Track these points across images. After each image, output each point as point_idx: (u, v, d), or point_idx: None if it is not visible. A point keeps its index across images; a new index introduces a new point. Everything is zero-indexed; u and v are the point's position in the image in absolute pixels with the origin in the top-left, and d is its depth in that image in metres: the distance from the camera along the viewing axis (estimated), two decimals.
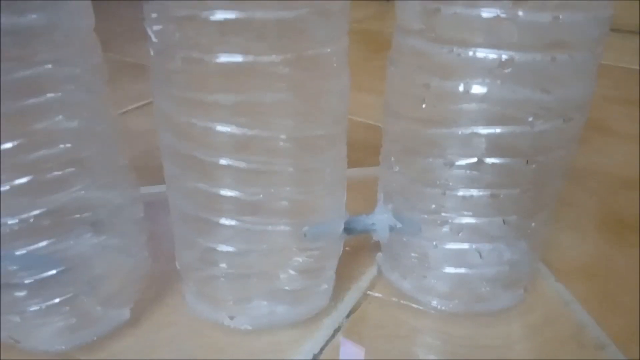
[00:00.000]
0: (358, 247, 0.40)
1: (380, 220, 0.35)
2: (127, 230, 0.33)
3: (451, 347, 0.33)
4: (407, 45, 0.29)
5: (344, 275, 0.37)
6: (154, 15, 0.24)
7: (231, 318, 0.32)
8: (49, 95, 0.27)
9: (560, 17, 0.24)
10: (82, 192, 0.30)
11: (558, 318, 0.34)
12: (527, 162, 0.28)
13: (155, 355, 0.31)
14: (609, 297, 0.37)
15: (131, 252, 0.34)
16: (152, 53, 0.25)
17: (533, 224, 0.32)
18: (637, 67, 0.85)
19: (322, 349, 0.32)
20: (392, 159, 0.33)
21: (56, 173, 0.29)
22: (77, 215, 0.31)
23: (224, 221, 0.29)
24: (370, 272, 0.38)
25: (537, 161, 0.28)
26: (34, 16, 0.24)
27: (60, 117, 0.28)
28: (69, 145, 0.29)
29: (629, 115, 0.68)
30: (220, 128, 0.25)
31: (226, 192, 0.28)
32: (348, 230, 0.34)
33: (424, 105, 0.29)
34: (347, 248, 0.39)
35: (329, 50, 0.26)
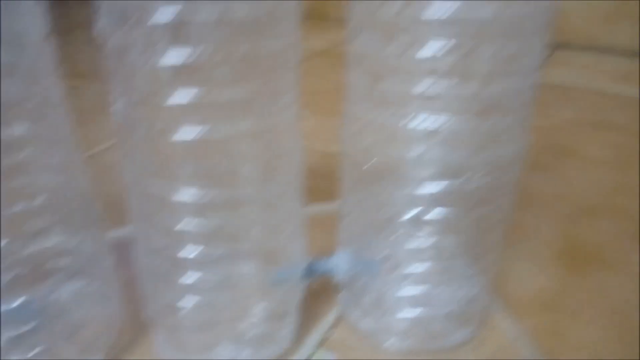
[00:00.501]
0: (323, 287, 0.42)
1: (340, 263, 0.37)
2: (103, 277, 0.35)
3: None
4: (354, 112, 0.31)
5: (308, 314, 0.39)
6: (116, 95, 0.26)
7: None
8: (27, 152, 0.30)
9: (489, 87, 0.26)
10: (59, 241, 0.32)
11: (508, 353, 0.37)
12: (465, 214, 0.31)
13: None
14: (559, 331, 0.39)
15: (103, 296, 0.36)
16: (117, 129, 0.28)
17: (477, 268, 0.34)
18: (607, 89, 0.87)
19: None
20: (348, 206, 0.35)
21: (33, 225, 0.31)
22: (54, 265, 0.33)
23: (187, 276, 0.31)
24: (333, 313, 0.40)
25: (474, 213, 0.31)
26: None
27: (37, 172, 0.31)
28: (45, 198, 0.31)
29: (598, 139, 0.70)
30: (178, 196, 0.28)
31: (186, 251, 0.30)
32: (309, 273, 0.36)
33: (364, 164, 0.31)
34: (312, 287, 0.42)
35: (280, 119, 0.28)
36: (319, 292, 0.41)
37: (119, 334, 0.37)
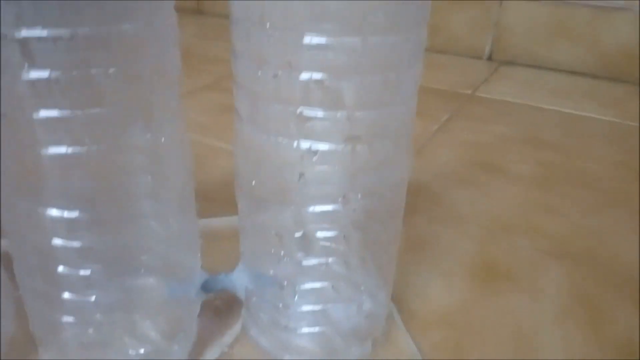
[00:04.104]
0: (229, 301, 0.41)
1: (237, 279, 0.37)
2: None
3: None
4: (241, 131, 0.31)
5: (210, 330, 0.39)
6: None
7: None
8: None
9: (356, 114, 0.26)
10: None
11: None
12: (350, 234, 0.31)
13: None
14: (458, 350, 0.39)
15: None
16: None
17: (371, 286, 0.34)
18: (546, 105, 0.89)
19: None
20: (242, 225, 0.35)
21: None
22: None
23: (65, 295, 0.30)
24: (236, 328, 0.40)
25: (359, 234, 0.31)
26: None
27: None
28: None
29: (528, 155, 0.71)
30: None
31: (63, 272, 0.29)
32: (206, 289, 0.36)
33: (253, 183, 0.31)
34: (217, 301, 0.41)
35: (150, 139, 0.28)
36: (223, 307, 0.41)
37: (7, 349, 0.36)
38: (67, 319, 0.31)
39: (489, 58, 1.09)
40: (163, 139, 0.29)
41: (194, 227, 0.35)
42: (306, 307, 0.35)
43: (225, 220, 0.50)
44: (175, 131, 0.30)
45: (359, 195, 0.29)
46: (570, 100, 0.91)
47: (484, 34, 1.08)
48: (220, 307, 0.41)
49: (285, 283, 0.34)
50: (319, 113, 0.26)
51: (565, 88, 0.97)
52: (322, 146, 0.28)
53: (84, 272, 0.29)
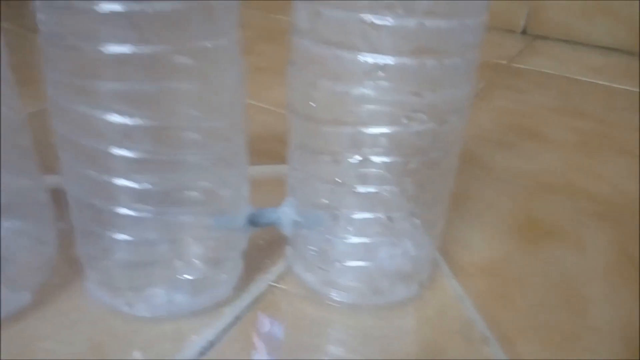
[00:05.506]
0: (273, 240, 0.41)
1: (284, 214, 0.36)
2: (31, 214, 0.34)
3: (346, 337, 0.34)
4: (299, 46, 0.30)
5: (254, 267, 0.38)
6: (39, 3, 0.25)
7: (130, 306, 0.33)
8: None
9: (426, 23, 0.25)
10: None
11: (449, 313, 0.36)
12: (407, 161, 0.30)
13: (56, 337, 0.32)
14: (503, 296, 0.38)
15: (36, 236, 0.34)
16: (40, 41, 0.26)
17: (420, 221, 0.33)
18: (582, 78, 0.87)
19: (220, 337, 0.33)
20: (293, 154, 0.34)
21: None
22: None
23: (119, 210, 0.30)
24: (280, 265, 0.39)
25: (417, 161, 0.30)
26: None
27: None
28: None
29: (565, 124, 0.70)
30: (105, 116, 0.26)
31: (118, 181, 0.29)
32: (252, 222, 0.35)
33: (313, 104, 0.30)
34: (260, 241, 0.41)
35: (214, 43, 0.27)
36: (270, 244, 0.40)
37: (52, 274, 0.36)
38: (121, 236, 0.30)
39: (524, 32, 1.07)
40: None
41: (245, 166, 0.34)
42: (356, 239, 0.34)
43: (264, 168, 0.50)
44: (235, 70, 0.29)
45: (424, 116, 0.28)
46: (605, 74, 0.89)
47: (519, 8, 1.06)
48: (264, 246, 0.40)
49: (331, 216, 0.34)
50: (387, 20, 0.25)
51: (600, 62, 0.95)
52: (389, 59, 0.27)
53: (141, 186, 0.29)
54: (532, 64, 0.91)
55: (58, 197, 0.34)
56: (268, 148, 0.49)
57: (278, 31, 0.94)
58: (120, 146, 0.28)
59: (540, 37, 1.06)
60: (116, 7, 0.24)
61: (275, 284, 0.38)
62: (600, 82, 0.85)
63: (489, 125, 0.67)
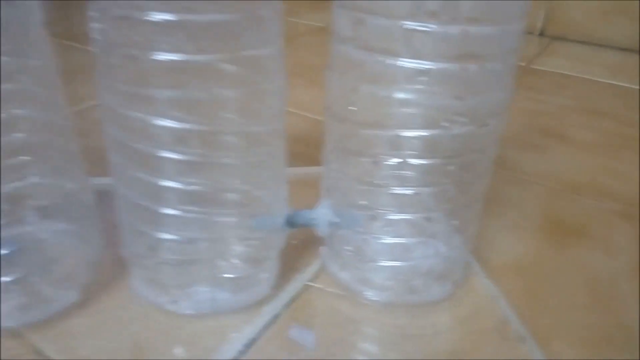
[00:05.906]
0: (306, 240, 0.42)
1: (321, 215, 0.37)
2: (78, 216, 0.35)
3: (381, 335, 0.35)
4: (340, 52, 0.31)
5: (290, 266, 0.39)
6: (95, 13, 0.26)
7: (174, 303, 0.34)
8: (5, 86, 0.30)
9: (470, 30, 0.26)
10: (35, 179, 0.32)
11: (484, 312, 0.37)
12: (445, 163, 0.31)
13: (102, 334, 0.33)
14: (535, 295, 0.39)
15: (82, 237, 0.36)
16: (95, 49, 0.27)
17: (457, 222, 0.34)
18: (600, 79, 0.87)
19: (259, 334, 0.34)
20: (330, 156, 0.35)
21: (10, 161, 0.31)
22: (30, 202, 0.33)
23: (166, 211, 0.31)
24: (315, 265, 0.40)
25: (455, 163, 0.31)
26: None
27: (15, 107, 0.31)
28: (22, 134, 0.31)
29: (588, 124, 0.70)
30: (158, 121, 0.27)
31: (167, 183, 0.30)
32: (290, 223, 0.36)
33: (354, 108, 0.31)
34: (294, 241, 0.42)
35: (262, 52, 0.28)
36: (305, 244, 0.41)
37: (97, 273, 0.37)
38: (167, 236, 0.31)
39: (541, 34, 1.07)
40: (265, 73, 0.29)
41: (284, 170, 0.35)
42: (392, 240, 0.35)
43: (298, 170, 0.51)
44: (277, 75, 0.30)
45: (463, 119, 0.29)
46: (625, 75, 0.89)
47: (536, 10, 1.06)
48: (298, 246, 0.41)
49: (368, 217, 0.35)
50: (431, 28, 0.26)
51: (620, 64, 0.95)
52: (431, 65, 0.27)
53: (187, 188, 0.30)
54: (551, 66, 0.92)
55: (102, 198, 0.35)
56: (299, 149, 0.50)
57: (293, 34, 0.96)
58: (170, 150, 0.29)
59: (558, 39, 1.06)
60: (171, 17, 0.25)
61: (311, 283, 0.38)
62: (619, 84, 0.85)
63: (513, 127, 0.68)
